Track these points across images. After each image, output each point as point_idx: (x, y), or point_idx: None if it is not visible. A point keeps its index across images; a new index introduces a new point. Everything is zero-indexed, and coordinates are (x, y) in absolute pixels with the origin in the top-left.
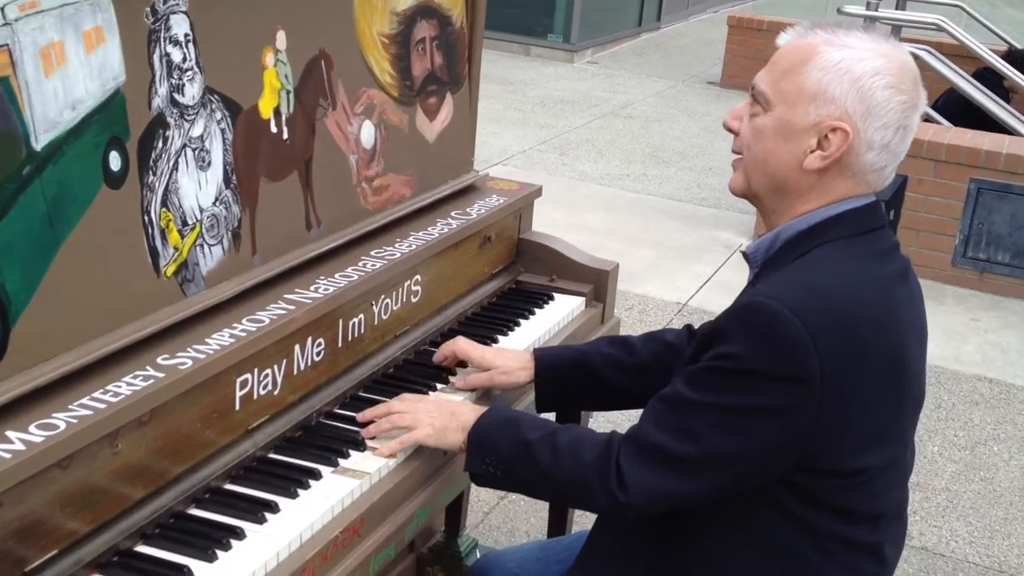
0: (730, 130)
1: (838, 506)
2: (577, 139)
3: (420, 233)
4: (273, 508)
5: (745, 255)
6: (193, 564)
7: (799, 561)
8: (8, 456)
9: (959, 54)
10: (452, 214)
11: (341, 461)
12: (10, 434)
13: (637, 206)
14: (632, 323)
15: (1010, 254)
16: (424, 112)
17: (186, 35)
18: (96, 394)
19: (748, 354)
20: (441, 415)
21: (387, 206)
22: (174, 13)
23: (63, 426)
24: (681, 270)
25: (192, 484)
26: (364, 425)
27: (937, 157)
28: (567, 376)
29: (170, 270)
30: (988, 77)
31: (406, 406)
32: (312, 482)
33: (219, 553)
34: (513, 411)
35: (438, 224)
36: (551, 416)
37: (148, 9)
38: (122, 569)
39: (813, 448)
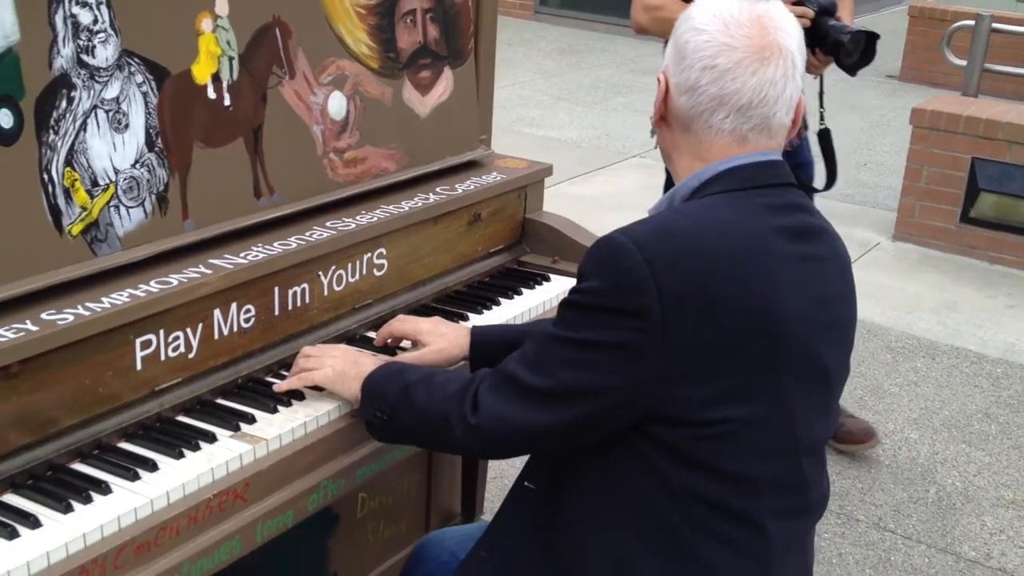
0: None
1: (698, 460)
2: None
3: (391, 207)
4: (151, 466)
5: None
6: (44, 513)
7: (662, 521)
8: None
9: None
10: (436, 189)
11: (244, 426)
12: None
13: None
14: None
15: None
16: (414, 86)
17: None
18: None
19: (593, 288)
20: (343, 361)
21: (362, 179)
22: None
23: None
24: None
25: (80, 439)
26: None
27: None
28: (501, 357)
29: (76, 229)
30: None
31: (314, 350)
32: (204, 444)
33: (76, 505)
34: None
35: (416, 199)
36: None
37: None
38: None
39: (662, 393)
